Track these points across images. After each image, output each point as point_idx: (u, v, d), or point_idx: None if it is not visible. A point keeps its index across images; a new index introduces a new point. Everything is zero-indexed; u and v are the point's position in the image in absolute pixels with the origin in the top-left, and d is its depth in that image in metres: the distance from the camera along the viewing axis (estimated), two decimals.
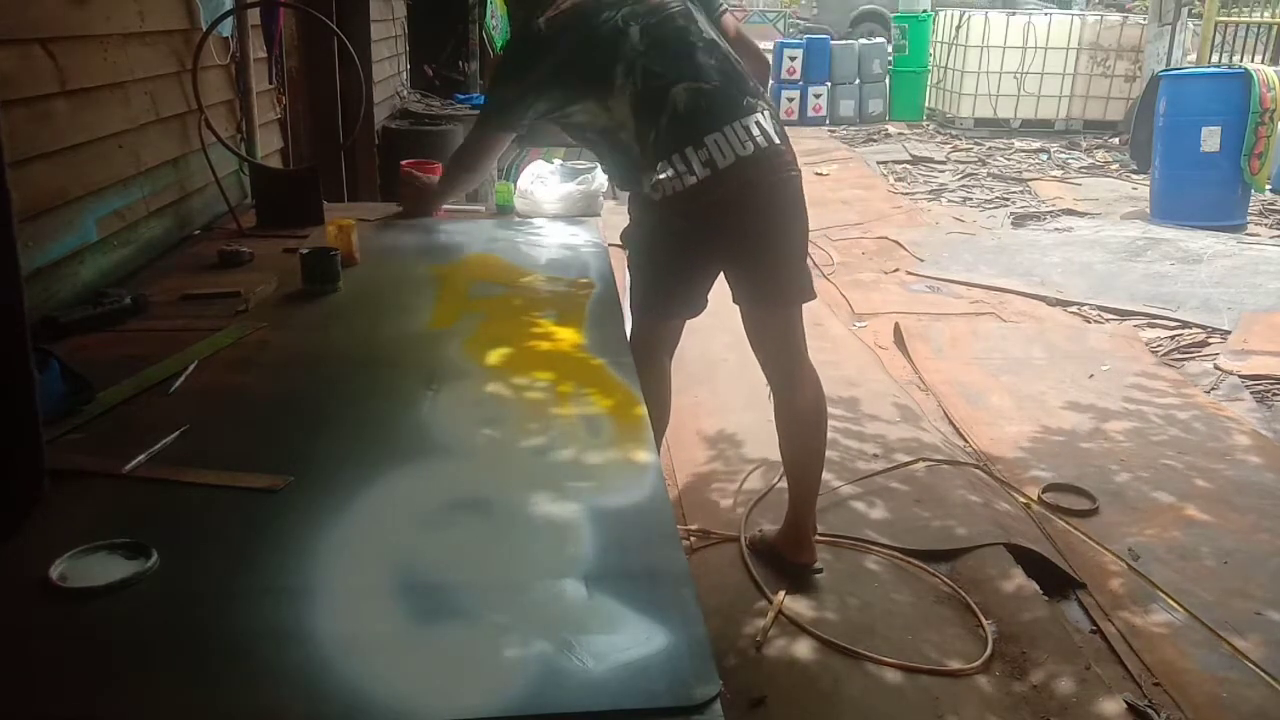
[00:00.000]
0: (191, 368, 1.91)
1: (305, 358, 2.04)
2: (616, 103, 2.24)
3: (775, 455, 2.89)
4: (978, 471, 3.21)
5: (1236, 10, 10.80)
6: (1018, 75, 11.07)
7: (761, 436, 3.09)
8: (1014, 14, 11.43)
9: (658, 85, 2.21)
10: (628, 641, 1.14)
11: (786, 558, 2.58)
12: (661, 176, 2.22)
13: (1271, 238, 6.73)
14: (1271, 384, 4.13)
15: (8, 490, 1.36)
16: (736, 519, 2.82)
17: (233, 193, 3.19)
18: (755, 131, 2.22)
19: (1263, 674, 2.28)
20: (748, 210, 2.26)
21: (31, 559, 1.26)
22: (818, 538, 2.68)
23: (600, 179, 3.24)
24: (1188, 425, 3.65)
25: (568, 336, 2.14)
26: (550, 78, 2.30)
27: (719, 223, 2.27)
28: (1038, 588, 2.56)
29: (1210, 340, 4.65)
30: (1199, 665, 2.35)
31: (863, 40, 12.21)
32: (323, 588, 1.25)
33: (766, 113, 2.27)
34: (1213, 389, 4.08)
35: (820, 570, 2.55)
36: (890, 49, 12.31)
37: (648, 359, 2.47)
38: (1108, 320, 4.98)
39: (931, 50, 12.11)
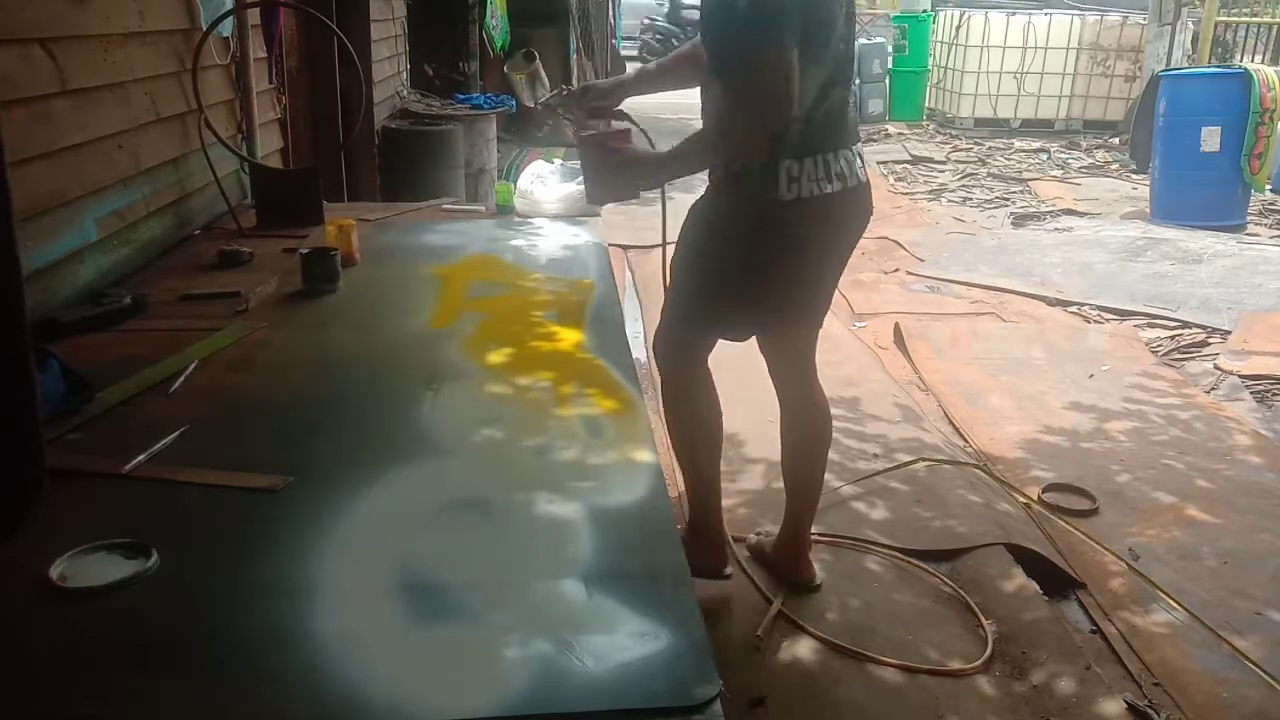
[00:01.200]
0: (191, 368, 1.91)
1: (305, 358, 2.04)
2: (804, 72, 1.92)
3: (776, 455, 2.89)
4: (978, 471, 3.21)
5: (1237, 10, 10.80)
6: (1018, 75, 11.07)
7: (762, 437, 3.09)
8: (1014, 14, 11.43)
9: (828, 77, 2.02)
10: (628, 641, 1.14)
11: (784, 574, 2.54)
12: (804, 175, 2.03)
13: (1271, 238, 6.73)
14: (1271, 384, 4.12)
15: (8, 490, 1.36)
16: (736, 519, 2.81)
17: (233, 193, 3.19)
18: (860, 162, 2.16)
19: (1263, 674, 2.28)
20: (847, 233, 2.19)
21: (31, 559, 1.27)
22: (817, 537, 2.68)
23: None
24: (1188, 425, 3.64)
25: (568, 336, 2.14)
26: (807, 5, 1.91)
27: (822, 239, 2.13)
28: (1038, 588, 2.56)
29: (1210, 340, 4.65)
30: (1199, 665, 2.35)
31: (863, 40, 12.21)
32: (322, 588, 1.25)
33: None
34: (1213, 389, 4.08)
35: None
36: (890, 49, 12.31)
37: (691, 367, 2.31)
38: (1108, 320, 4.97)
39: (931, 50, 12.11)
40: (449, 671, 1.10)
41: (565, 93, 2.45)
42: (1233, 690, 2.26)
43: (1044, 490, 3.13)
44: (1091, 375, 4.09)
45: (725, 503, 2.93)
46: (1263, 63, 9.02)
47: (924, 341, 4.45)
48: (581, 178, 2.32)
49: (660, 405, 2.40)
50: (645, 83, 2.47)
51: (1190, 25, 10.26)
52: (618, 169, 2.12)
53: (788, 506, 2.52)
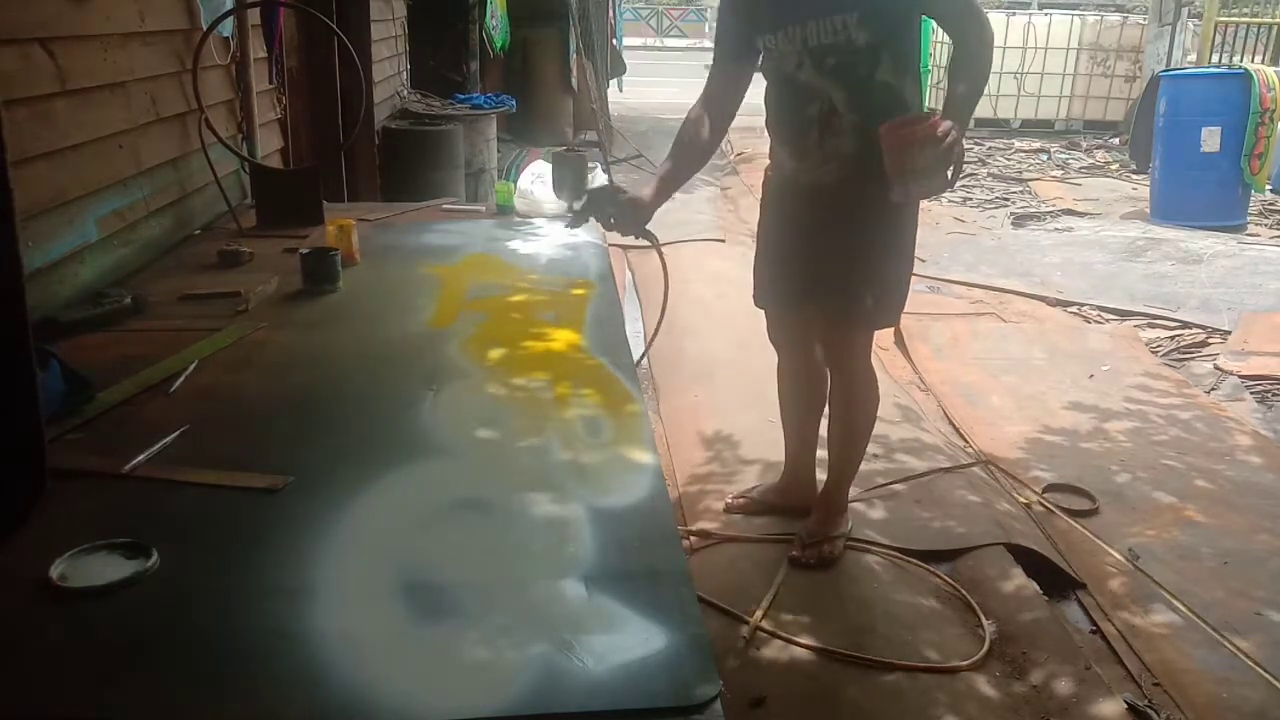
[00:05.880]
0: (191, 368, 1.91)
1: (305, 358, 2.04)
2: None
3: (774, 456, 2.90)
4: (978, 471, 3.21)
5: (1237, 10, 10.80)
6: (1018, 75, 11.07)
7: (762, 437, 3.09)
8: (1014, 14, 11.44)
9: None
10: (628, 641, 1.14)
11: (828, 529, 2.63)
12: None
13: (1271, 238, 6.73)
14: (1272, 384, 4.12)
15: (9, 489, 1.36)
16: (736, 520, 2.81)
17: (233, 193, 3.19)
18: None
19: (1263, 674, 2.28)
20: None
21: (31, 559, 1.27)
22: None
23: (600, 179, 3.24)
24: (1188, 425, 3.64)
25: (567, 337, 2.14)
26: None
27: None
28: (1038, 588, 2.56)
29: (1210, 340, 4.65)
30: (1199, 665, 2.35)
31: None
32: (322, 588, 1.25)
33: None
34: (1213, 389, 4.08)
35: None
36: None
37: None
38: (1108, 320, 4.97)
39: (932, 50, 12.11)
40: (449, 671, 1.10)
41: (605, 187, 2.31)
42: (1233, 690, 2.26)
43: (1044, 490, 3.13)
44: (1091, 375, 4.09)
45: (723, 502, 2.92)
46: (1263, 63, 9.01)
47: (924, 341, 4.45)
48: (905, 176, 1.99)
49: (801, 396, 2.64)
50: (674, 183, 2.33)
51: (1190, 25, 10.26)
52: (943, 153, 1.92)
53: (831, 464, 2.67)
